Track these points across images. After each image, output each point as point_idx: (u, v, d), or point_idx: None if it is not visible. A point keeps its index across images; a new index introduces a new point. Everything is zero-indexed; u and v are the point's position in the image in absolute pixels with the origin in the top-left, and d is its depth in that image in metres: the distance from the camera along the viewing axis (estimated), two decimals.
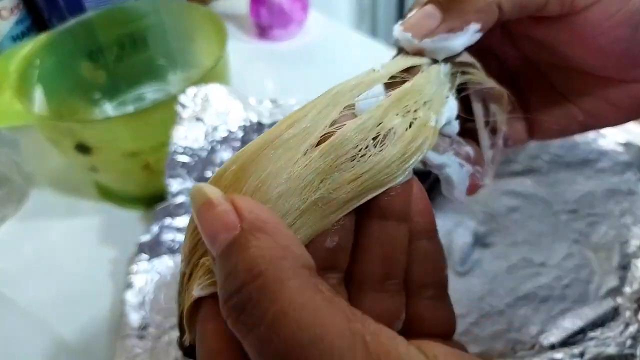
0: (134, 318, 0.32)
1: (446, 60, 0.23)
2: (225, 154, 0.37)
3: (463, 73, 0.23)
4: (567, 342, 0.29)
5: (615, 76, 0.25)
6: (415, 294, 0.20)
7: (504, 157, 0.38)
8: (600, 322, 0.30)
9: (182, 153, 0.35)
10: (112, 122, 0.38)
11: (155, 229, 0.35)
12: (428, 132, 0.19)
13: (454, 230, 0.35)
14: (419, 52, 0.22)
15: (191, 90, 0.37)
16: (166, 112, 0.36)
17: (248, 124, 0.38)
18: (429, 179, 0.34)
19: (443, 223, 0.35)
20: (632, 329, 0.29)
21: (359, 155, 0.18)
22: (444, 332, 0.20)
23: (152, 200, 0.39)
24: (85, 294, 0.37)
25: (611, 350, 0.28)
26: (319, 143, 0.18)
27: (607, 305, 0.30)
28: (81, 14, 0.45)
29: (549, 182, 0.37)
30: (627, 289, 0.31)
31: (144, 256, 0.35)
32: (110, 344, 0.33)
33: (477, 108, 0.26)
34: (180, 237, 0.35)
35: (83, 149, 0.37)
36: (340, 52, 0.58)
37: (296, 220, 0.17)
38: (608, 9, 0.22)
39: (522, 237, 0.35)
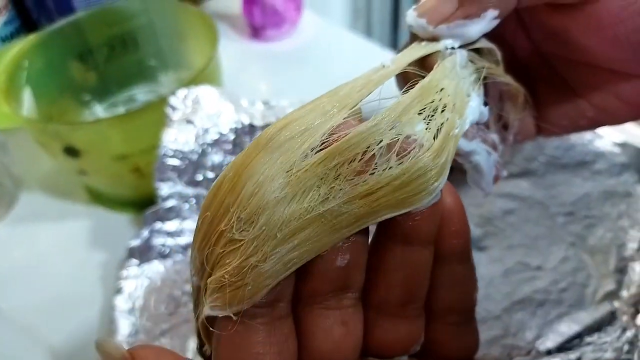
0: (124, 324, 0.32)
1: (462, 47, 0.21)
2: (216, 157, 0.36)
3: (481, 69, 0.22)
4: (563, 347, 0.29)
5: (629, 70, 0.24)
6: (439, 319, 0.18)
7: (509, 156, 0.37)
8: (597, 327, 0.29)
9: (172, 156, 0.35)
10: (101, 124, 0.38)
11: (145, 233, 0.35)
12: (452, 142, 0.17)
13: None
14: (434, 39, 0.21)
15: (181, 92, 0.36)
16: (156, 114, 0.36)
17: (240, 126, 0.37)
18: None
19: None
20: (629, 333, 0.28)
21: (372, 166, 0.16)
22: (465, 356, 0.19)
23: (144, 204, 0.38)
24: (75, 299, 0.36)
25: (608, 355, 0.28)
26: (322, 148, 0.16)
27: (604, 309, 0.30)
28: (70, 15, 0.44)
29: (545, 184, 0.37)
30: (624, 293, 0.31)
31: (134, 261, 0.34)
32: None
33: (492, 101, 0.25)
34: (171, 241, 0.35)
35: (71, 152, 0.36)
36: (334, 52, 0.58)
37: (298, 232, 0.15)
38: None
39: (518, 240, 0.34)
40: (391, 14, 0.94)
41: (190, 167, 0.35)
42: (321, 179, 0.16)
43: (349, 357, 0.17)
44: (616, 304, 0.30)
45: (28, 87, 0.40)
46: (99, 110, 0.48)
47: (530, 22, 0.26)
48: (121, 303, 0.32)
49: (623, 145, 0.37)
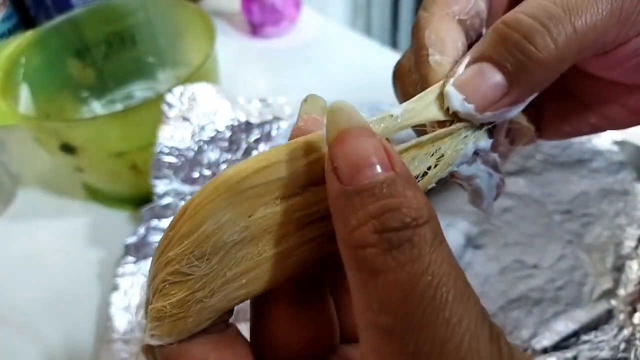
0: (120, 321, 0.32)
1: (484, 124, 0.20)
2: (212, 154, 0.36)
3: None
4: (559, 345, 0.29)
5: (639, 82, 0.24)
6: None
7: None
8: (594, 325, 0.29)
9: (168, 153, 0.35)
10: (98, 121, 0.38)
11: (141, 230, 0.35)
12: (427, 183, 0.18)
13: (445, 231, 0.34)
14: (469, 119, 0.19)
15: (178, 90, 0.36)
16: (154, 111, 0.36)
17: (236, 123, 0.37)
18: None
19: None
20: (626, 332, 0.28)
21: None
22: None
23: (141, 201, 0.38)
24: (72, 295, 0.36)
25: (605, 354, 0.28)
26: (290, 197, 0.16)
27: (601, 307, 0.30)
28: (68, 12, 0.44)
29: (542, 182, 0.37)
30: (622, 291, 0.30)
31: (130, 258, 0.34)
32: (96, 347, 0.32)
33: (498, 134, 0.23)
34: None
35: (68, 149, 0.36)
36: (333, 50, 0.58)
37: (248, 272, 0.16)
38: None
39: (515, 238, 0.34)
40: (391, 12, 0.93)
41: (187, 165, 0.35)
42: (279, 224, 0.16)
43: None
44: (613, 302, 0.30)
45: (25, 84, 0.40)
46: (97, 107, 0.48)
47: None
48: (117, 300, 0.32)
49: (621, 144, 0.37)
